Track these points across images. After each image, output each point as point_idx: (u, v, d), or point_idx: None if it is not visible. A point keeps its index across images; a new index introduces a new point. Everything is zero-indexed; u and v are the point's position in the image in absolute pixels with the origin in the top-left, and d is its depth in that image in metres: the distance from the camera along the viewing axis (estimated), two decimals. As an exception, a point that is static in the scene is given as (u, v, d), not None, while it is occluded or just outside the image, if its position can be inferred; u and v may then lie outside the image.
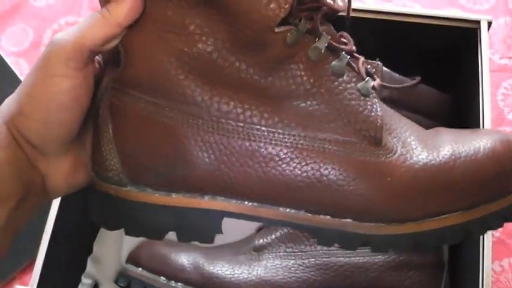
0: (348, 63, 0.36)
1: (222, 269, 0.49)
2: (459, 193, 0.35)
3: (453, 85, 0.61)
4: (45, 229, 0.51)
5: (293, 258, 0.50)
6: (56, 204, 0.52)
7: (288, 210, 0.35)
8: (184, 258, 0.50)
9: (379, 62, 0.54)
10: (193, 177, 0.35)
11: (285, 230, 0.51)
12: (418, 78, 0.55)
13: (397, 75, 0.55)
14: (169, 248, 0.51)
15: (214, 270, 0.49)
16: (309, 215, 0.35)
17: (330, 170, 0.35)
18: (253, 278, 0.48)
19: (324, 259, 0.49)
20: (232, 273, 0.49)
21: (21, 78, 0.72)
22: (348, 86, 0.35)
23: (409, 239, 0.35)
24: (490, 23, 0.55)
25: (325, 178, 0.35)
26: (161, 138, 0.34)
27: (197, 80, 0.34)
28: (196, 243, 0.53)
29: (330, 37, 0.35)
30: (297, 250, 0.50)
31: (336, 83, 0.35)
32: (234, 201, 0.35)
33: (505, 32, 0.71)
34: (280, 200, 0.35)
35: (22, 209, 0.35)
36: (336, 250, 0.50)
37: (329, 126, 0.35)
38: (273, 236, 0.51)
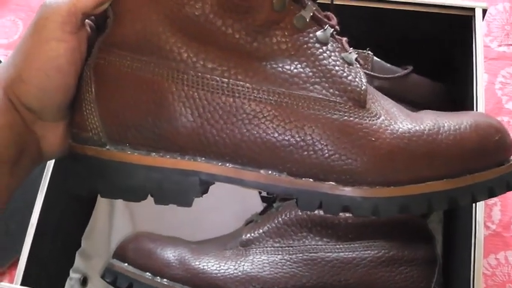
0: (332, 35, 0.37)
1: (208, 264, 0.48)
2: (443, 160, 0.35)
3: (447, 75, 0.59)
4: (30, 223, 0.50)
5: (280, 253, 0.49)
6: (40, 198, 0.51)
7: (270, 172, 0.35)
8: (170, 254, 0.49)
9: (369, 52, 0.53)
10: (176, 134, 0.35)
11: (273, 224, 0.50)
12: (409, 68, 0.54)
13: (388, 65, 0.54)
14: (155, 243, 0.50)
15: (200, 266, 0.48)
16: (291, 177, 0.35)
17: (313, 128, 0.35)
18: (240, 273, 0.47)
19: (312, 254, 0.48)
20: (218, 268, 0.48)
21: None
22: (332, 54, 0.36)
23: (394, 203, 0.35)
24: (485, 11, 0.53)
25: (309, 137, 0.35)
26: (145, 94, 0.34)
27: (184, 38, 0.34)
28: (188, 241, 0.53)
29: (315, 8, 0.36)
30: (284, 245, 0.49)
31: (321, 50, 0.36)
32: (214, 162, 0.35)
33: (504, 18, 0.69)
34: (263, 160, 0.35)
35: (14, 174, 0.35)
36: (324, 245, 0.49)
37: (314, 87, 0.35)
38: (261, 231, 0.50)
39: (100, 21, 0.37)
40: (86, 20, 0.36)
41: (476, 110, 0.49)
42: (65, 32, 0.34)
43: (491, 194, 0.36)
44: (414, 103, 0.54)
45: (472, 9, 0.53)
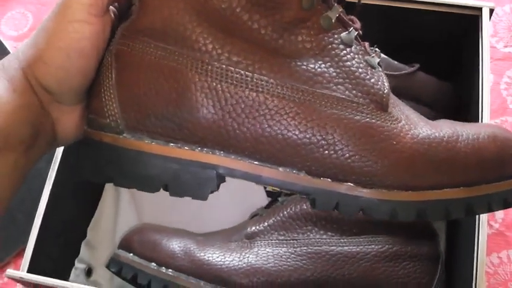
0: (356, 38, 0.37)
1: (213, 255, 0.48)
2: (461, 168, 0.35)
3: (454, 73, 0.60)
4: (37, 214, 0.51)
5: (285, 246, 0.49)
6: (48, 188, 0.52)
7: (288, 170, 0.35)
8: (176, 245, 0.49)
9: (377, 49, 0.53)
10: (196, 124, 0.34)
11: (278, 218, 0.51)
12: (416, 66, 0.54)
13: (396, 62, 0.54)
14: (161, 234, 0.50)
15: (205, 257, 0.48)
16: (310, 176, 0.35)
17: (335, 128, 0.35)
18: (244, 265, 0.48)
19: (316, 247, 0.49)
20: (223, 260, 0.48)
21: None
22: (356, 56, 0.36)
23: (411, 208, 0.35)
24: (492, 10, 0.53)
25: (330, 137, 0.35)
26: (167, 82, 0.34)
27: (210, 29, 0.34)
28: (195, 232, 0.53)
29: (340, 10, 0.36)
30: (289, 238, 0.49)
31: (345, 52, 0.36)
32: (233, 157, 0.35)
33: (510, 19, 0.69)
34: (283, 157, 0.35)
35: (29, 155, 0.35)
36: (329, 239, 0.49)
37: (337, 87, 0.35)
38: (266, 224, 0.51)
39: (123, 8, 0.36)
40: (110, 6, 0.36)
41: (482, 110, 0.49)
42: (91, 14, 0.33)
43: (506, 205, 0.37)
44: (420, 101, 0.54)
45: (479, 9, 0.53)
